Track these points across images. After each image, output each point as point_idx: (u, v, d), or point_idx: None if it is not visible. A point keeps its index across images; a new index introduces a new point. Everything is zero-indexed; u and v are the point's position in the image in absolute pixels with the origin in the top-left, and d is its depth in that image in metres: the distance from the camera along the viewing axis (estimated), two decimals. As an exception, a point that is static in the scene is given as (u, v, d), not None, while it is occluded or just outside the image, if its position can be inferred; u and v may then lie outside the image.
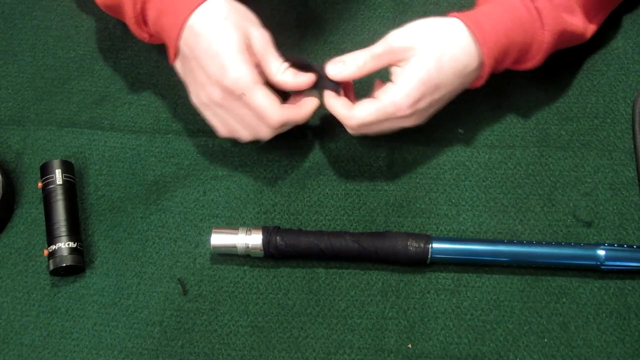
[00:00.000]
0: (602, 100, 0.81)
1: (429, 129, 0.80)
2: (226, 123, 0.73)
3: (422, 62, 0.69)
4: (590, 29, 0.77)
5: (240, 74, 0.67)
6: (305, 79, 0.71)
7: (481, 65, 0.72)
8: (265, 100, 0.69)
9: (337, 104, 0.72)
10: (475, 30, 0.70)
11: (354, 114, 0.71)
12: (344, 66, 0.71)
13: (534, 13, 0.72)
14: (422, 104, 0.70)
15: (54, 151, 0.79)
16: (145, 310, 0.72)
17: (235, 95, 0.68)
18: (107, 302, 0.73)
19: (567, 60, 0.82)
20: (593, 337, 0.70)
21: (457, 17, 0.72)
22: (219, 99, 0.70)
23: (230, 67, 0.67)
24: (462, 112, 0.80)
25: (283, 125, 0.71)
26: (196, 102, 0.73)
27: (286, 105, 0.71)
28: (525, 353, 0.70)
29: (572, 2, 0.74)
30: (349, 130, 0.74)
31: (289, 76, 0.70)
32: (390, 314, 0.71)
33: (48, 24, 0.87)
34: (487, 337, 0.70)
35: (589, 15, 0.77)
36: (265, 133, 0.72)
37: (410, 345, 0.70)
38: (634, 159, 0.78)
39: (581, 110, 0.80)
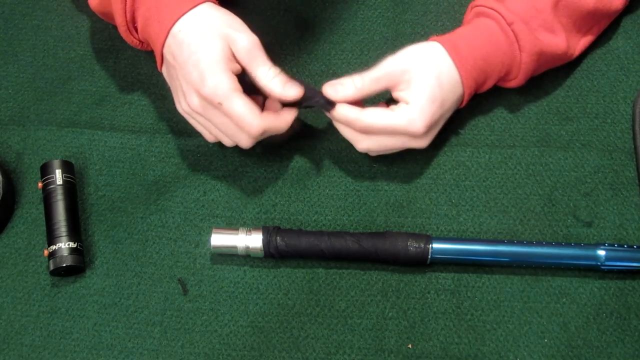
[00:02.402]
0: (602, 100, 0.81)
1: (429, 129, 0.80)
2: (209, 130, 0.73)
3: (424, 81, 0.71)
4: (576, 48, 0.79)
5: (218, 82, 0.67)
6: (293, 92, 0.70)
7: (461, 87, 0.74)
8: (244, 109, 0.68)
9: (346, 107, 0.72)
10: (453, 54, 0.73)
11: (363, 116, 0.71)
12: (342, 87, 0.72)
13: (511, 36, 0.73)
14: (434, 121, 0.72)
15: (54, 151, 0.79)
16: (145, 310, 0.72)
17: (213, 103, 0.68)
18: (107, 302, 0.73)
19: (567, 60, 0.82)
20: (593, 337, 0.70)
21: (437, 41, 0.74)
22: (199, 108, 0.70)
23: (209, 75, 0.67)
24: (462, 112, 0.80)
25: (262, 134, 0.70)
26: (179, 110, 0.74)
27: (265, 114, 0.71)
28: (525, 353, 0.70)
29: (553, 22, 0.75)
30: (357, 143, 0.74)
31: (277, 84, 0.70)
32: (390, 314, 0.71)
33: (48, 24, 0.87)
34: (487, 337, 0.70)
35: (574, 34, 0.78)
36: (244, 141, 0.71)
37: (410, 345, 0.70)
38: (634, 159, 0.78)
39: (581, 110, 0.80)
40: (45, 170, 0.75)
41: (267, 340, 0.71)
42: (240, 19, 0.71)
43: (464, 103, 0.75)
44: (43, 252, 0.73)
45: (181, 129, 0.80)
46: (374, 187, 0.77)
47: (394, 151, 0.75)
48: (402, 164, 0.78)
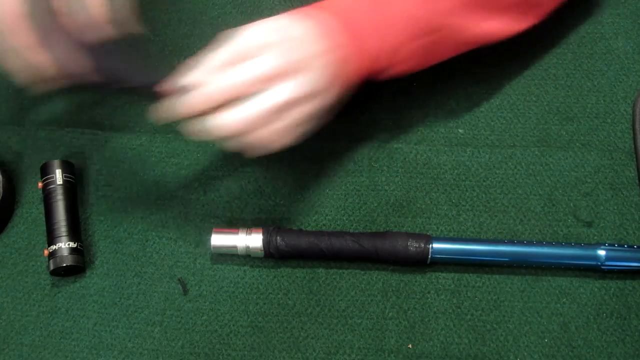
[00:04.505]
0: (602, 100, 0.81)
1: (429, 129, 0.80)
2: None
3: None
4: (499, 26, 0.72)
5: None
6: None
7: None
8: None
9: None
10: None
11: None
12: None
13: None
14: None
15: (54, 151, 0.79)
16: (145, 310, 0.72)
17: None
18: (107, 302, 0.73)
19: (567, 60, 0.82)
20: (593, 337, 0.70)
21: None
22: None
23: None
24: (462, 112, 0.80)
25: None
26: None
27: None
28: (525, 353, 0.70)
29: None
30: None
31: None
32: (390, 314, 0.71)
33: (48, 24, 0.87)
34: (488, 337, 0.70)
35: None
36: None
37: (410, 346, 0.70)
38: (634, 159, 0.78)
39: (581, 110, 0.80)
40: (45, 170, 0.75)
41: (267, 340, 0.71)
42: None
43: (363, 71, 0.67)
44: (43, 252, 0.73)
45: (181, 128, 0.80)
46: (374, 187, 0.77)
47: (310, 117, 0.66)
48: (402, 164, 0.78)
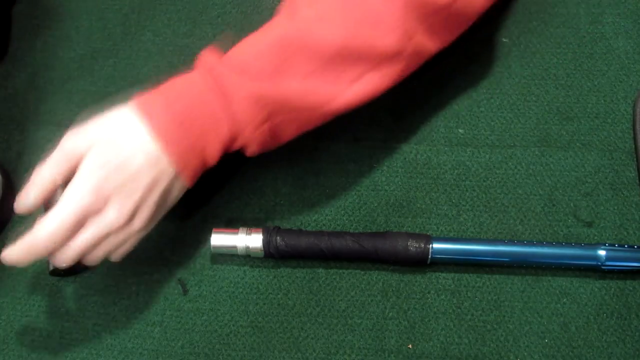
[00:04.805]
0: (602, 100, 0.81)
1: (429, 129, 0.80)
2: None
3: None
4: (342, 95, 0.65)
5: None
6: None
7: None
8: None
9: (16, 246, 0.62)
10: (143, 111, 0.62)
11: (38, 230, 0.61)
12: (30, 194, 0.63)
13: (209, 81, 0.63)
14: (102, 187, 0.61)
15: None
16: (145, 310, 0.72)
17: None
18: (107, 302, 0.73)
19: (567, 60, 0.82)
20: (594, 337, 0.70)
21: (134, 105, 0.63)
22: None
23: None
24: (462, 112, 0.80)
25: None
26: None
27: None
28: (525, 353, 0.70)
29: (283, 66, 0.63)
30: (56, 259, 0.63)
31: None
32: (390, 314, 0.71)
33: (48, 24, 0.87)
34: (488, 337, 0.70)
35: (331, 79, 0.64)
36: None
37: (410, 346, 0.70)
38: (635, 159, 0.77)
39: (581, 110, 0.80)
40: (45, 170, 0.75)
41: (267, 340, 0.71)
42: None
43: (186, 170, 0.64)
44: (43, 252, 0.73)
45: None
46: (374, 187, 0.77)
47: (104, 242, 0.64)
48: (402, 164, 0.78)
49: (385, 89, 0.67)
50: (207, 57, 0.65)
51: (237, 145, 0.66)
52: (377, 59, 0.65)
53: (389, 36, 0.64)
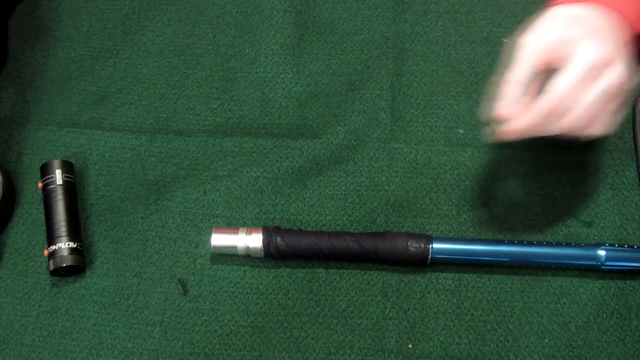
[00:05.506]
0: (602, 100, 0.81)
1: (429, 129, 0.80)
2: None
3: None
4: None
5: None
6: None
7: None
8: None
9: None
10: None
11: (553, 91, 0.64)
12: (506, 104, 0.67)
13: None
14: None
15: (54, 151, 0.79)
16: (145, 310, 0.72)
17: None
18: (107, 302, 0.73)
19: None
20: (593, 337, 0.70)
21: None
22: None
23: None
24: (462, 112, 0.80)
25: None
26: None
27: None
28: (525, 353, 0.70)
29: None
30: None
31: None
32: (390, 314, 0.71)
33: (48, 24, 0.87)
34: (488, 337, 0.70)
35: None
36: None
37: (410, 346, 0.70)
38: (634, 159, 0.77)
39: (581, 110, 0.80)
40: (45, 170, 0.75)
41: (267, 340, 0.71)
42: None
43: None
44: (43, 252, 0.73)
45: (181, 129, 0.80)
46: (374, 187, 0.77)
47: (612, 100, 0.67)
48: (402, 164, 0.78)
49: None
50: None
51: None
52: None
53: None
